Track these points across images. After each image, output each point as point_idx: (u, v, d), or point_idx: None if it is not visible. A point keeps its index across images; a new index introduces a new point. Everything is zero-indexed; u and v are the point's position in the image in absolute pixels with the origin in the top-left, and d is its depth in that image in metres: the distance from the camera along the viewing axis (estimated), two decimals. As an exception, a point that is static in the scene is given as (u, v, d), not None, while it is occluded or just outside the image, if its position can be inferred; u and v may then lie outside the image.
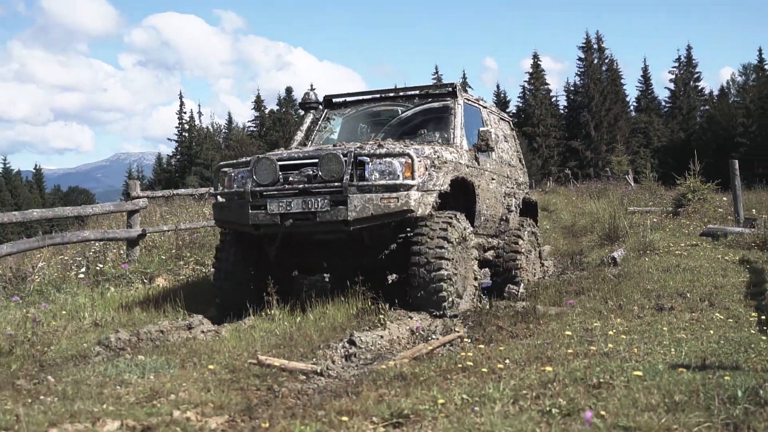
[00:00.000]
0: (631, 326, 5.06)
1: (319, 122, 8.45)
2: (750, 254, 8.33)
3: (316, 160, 6.17)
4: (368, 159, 6.12)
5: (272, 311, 6.20)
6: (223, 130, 77.36)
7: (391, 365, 4.28)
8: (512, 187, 8.55)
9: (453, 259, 6.21)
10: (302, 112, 8.58)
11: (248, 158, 6.64)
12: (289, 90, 71.94)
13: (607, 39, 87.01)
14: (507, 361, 4.18)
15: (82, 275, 8.62)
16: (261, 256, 6.94)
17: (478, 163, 7.42)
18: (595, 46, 62.94)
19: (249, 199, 6.27)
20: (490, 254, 7.90)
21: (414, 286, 6.15)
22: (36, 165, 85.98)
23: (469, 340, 5.20)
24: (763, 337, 4.44)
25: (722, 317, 5.22)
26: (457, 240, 6.32)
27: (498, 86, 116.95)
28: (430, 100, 7.92)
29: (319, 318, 6.02)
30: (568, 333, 4.92)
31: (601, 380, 3.47)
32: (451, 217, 6.38)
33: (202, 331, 5.74)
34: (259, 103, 74.08)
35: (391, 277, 6.31)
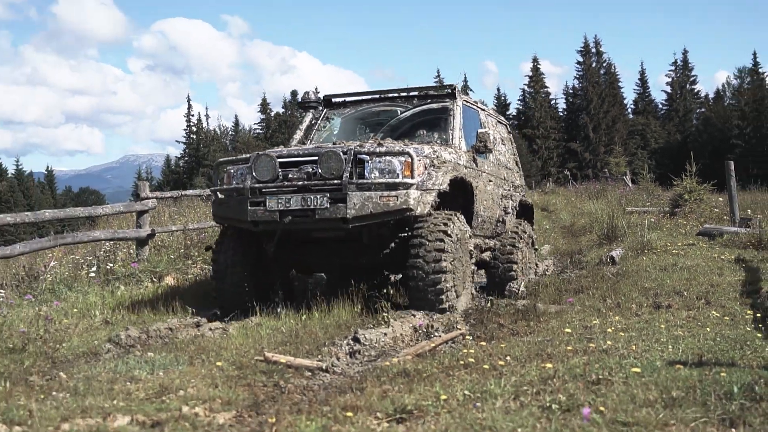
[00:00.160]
0: (630, 324, 5.05)
1: (319, 122, 8.35)
2: (745, 253, 8.31)
3: (316, 158, 6.10)
4: (368, 157, 6.05)
5: (278, 309, 6.21)
6: (230, 133, 77.41)
7: (394, 362, 4.28)
8: (509, 190, 8.48)
9: (452, 258, 6.12)
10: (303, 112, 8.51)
11: (248, 155, 6.55)
12: (294, 93, 71.98)
13: (605, 43, 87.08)
14: (508, 357, 4.18)
15: (93, 274, 8.63)
16: (259, 254, 6.85)
17: (476, 165, 7.35)
18: (594, 50, 62.99)
19: (248, 195, 6.18)
20: (486, 255, 7.82)
21: (412, 285, 6.07)
22: (48, 166, 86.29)
23: (471, 338, 5.19)
24: (759, 335, 4.43)
25: (718, 315, 5.21)
26: (455, 239, 6.24)
27: (498, 89, 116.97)
28: (429, 101, 7.84)
29: (324, 316, 6.02)
30: (568, 330, 4.91)
31: (600, 377, 3.47)
32: (449, 217, 6.30)
33: (210, 329, 5.71)
34: (264, 106, 74.15)
35: (395, 277, 6.28)
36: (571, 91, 65.02)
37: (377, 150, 6.07)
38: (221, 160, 6.92)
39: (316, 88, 8.39)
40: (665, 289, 6.43)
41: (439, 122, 7.59)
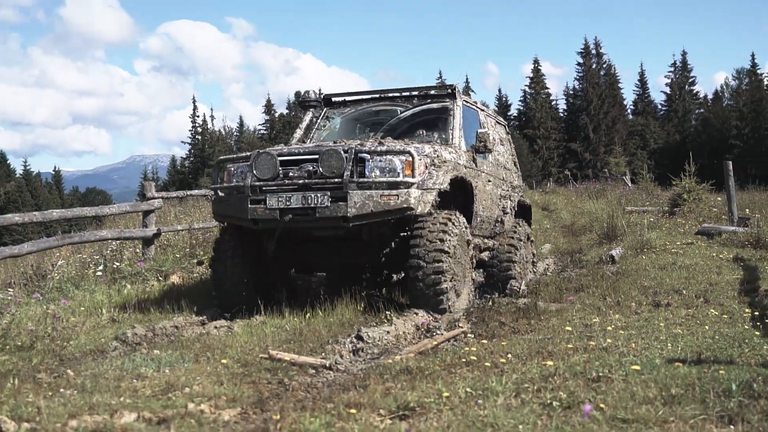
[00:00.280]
0: (629, 322, 5.04)
1: (318, 121, 8.24)
2: (743, 252, 8.30)
3: (317, 156, 6.02)
4: (369, 156, 5.97)
5: (283, 307, 6.20)
6: (235, 133, 77.44)
7: (397, 360, 4.28)
8: (507, 190, 8.41)
9: (452, 258, 6.04)
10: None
11: (248, 153, 6.47)
12: (297, 94, 71.97)
13: (604, 45, 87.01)
14: (509, 355, 4.18)
15: (99, 273, 8.65)
16: (259, 253, 6.77)
17: (476, 165, 7.27)
18: (594, 51, 62.96)
19: (248, 193, 6.10)
20: (485, 255, 7.75)
21: (412, 284, 5.99)
22: (55, 167, 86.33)
23: (473, 336, 5.19)
24: (757, 333, 4.43)
25: (717, 313, 5.20)
26: (456, 239, 6.16)
27: (500, 90, 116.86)
28: (429, 101, 7.75)
29: (327, 314, 6.01)
30: (568, 328, 4.91)
31: (600, 374, 3.47)
32: (450, 217, 6.22)
33: (215, 327, 5.69)
34: (269, 107, 74.17)
35: (397, 276, 6.25)
36: (571, 92, 65.00)
37: (378, 149, 5.99)
38: (221, 158, 6.81)
39: (320, 89, 8.35)
40: (664, 287, 6.42)
41: (439, 122, 7.51)
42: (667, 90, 65.60)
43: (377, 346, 4.96)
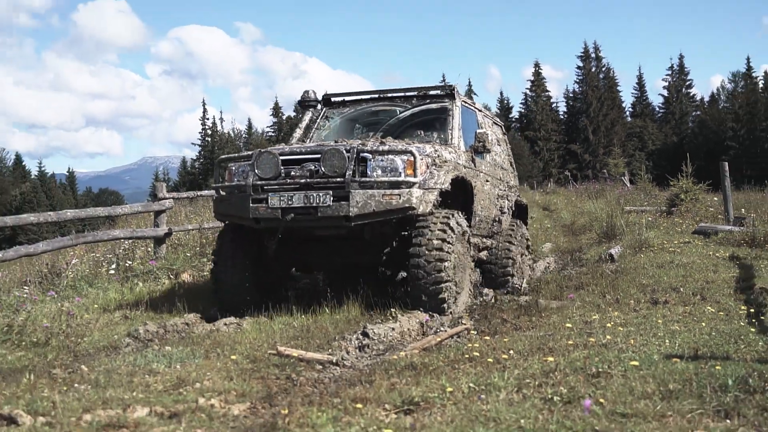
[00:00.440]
0: (628, 319, 5.04)
1: (318, 120, 8.10)
2: (739, 251, 8.28)
3: (319, 156, 5.93)
4: (371, 155, 5.87)
5: (290, 305, 6.20)
6: (244, 135, 77.51)
7: (402, 356, 4.28)
8: (505, 190, 8.35)
9: (452, 257, 5.94)
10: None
11: (250, 152, 6.36)
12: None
13: (604, 49, 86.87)
14: (511, 351, 4.17)
15: (112, 271, 8.66)
16: (260, 252, 6.67)
17: (475, 165, 7.19)
18: (593, 55, 62.96)
19: (250, 192, 6.00)
20: (483, 254, 7.67)
21: (414, 283, 5.87)
22: (69, 168, 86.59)
23: (476, 332, 5.18)
24: (752, 329, 4.42)
25: (713, 310, 5.19)
26: (456, 238, 6.09)
27: (501, 93, 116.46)
28: (428, 101, 7.62)
29: (334, 312, 6.01)
30: (569, 325, 4.90)
31: (600, 370, 3.46)
32: (451, 216, 6.12)
33: (225, 324, 5.68)
34: (276, 110, 74.18)
35: (402, 274, 6.20)
36: (571, 95, 64.93)
37: (380, 148, 5.90)
38: (223, 157, 6.70)
39: (325, 92, 8.19)
40: (662, 285, 6.41)
41: (438, 122, 7.41)
42: (665, 93, 65.56)
43: (382, 342, 4.95)
